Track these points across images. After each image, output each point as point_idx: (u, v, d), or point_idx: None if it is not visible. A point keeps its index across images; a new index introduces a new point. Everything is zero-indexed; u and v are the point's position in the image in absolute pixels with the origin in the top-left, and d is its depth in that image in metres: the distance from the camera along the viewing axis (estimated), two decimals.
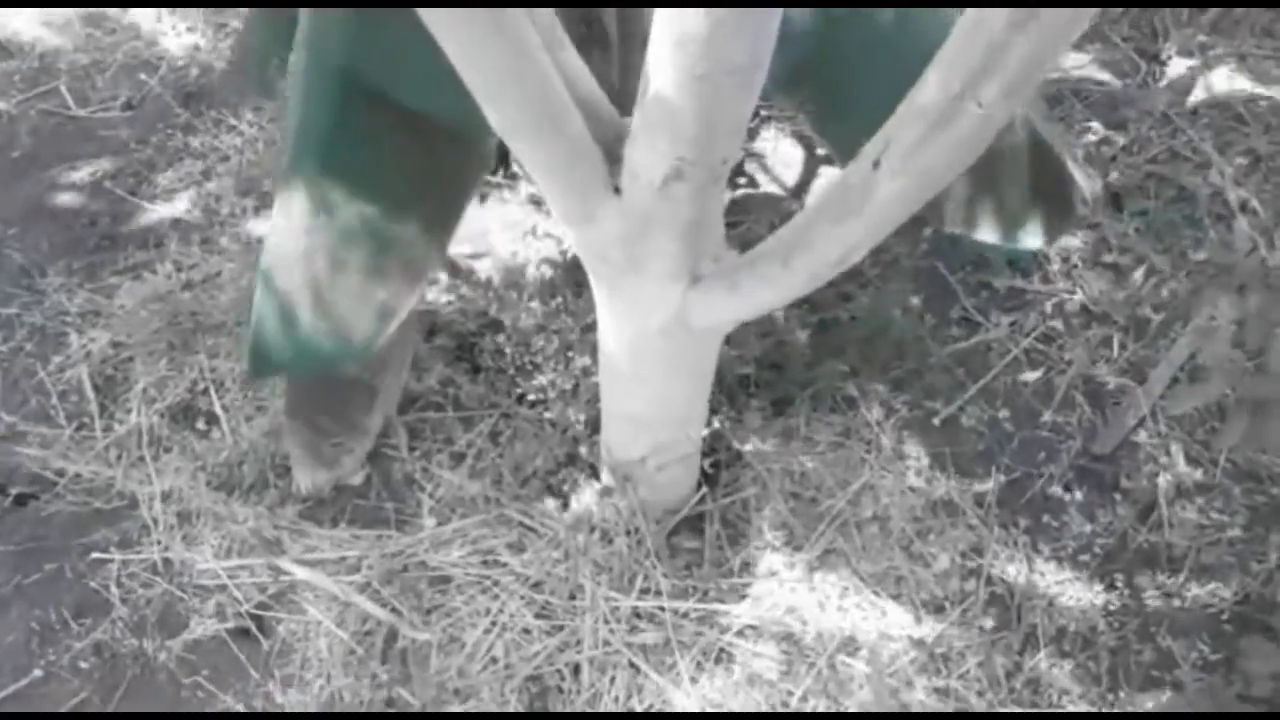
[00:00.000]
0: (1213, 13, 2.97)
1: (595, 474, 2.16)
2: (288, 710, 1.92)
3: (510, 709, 1.89)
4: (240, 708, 1.92)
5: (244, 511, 2.15)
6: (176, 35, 3.26)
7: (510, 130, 1.26)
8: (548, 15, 1.25)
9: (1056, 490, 2.22)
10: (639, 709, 1.89)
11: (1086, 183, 1.62)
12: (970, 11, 0.87)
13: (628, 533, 2.06)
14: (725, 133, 1.23)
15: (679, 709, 1.90)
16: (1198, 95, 2.82)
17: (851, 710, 1.89)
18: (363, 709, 1.91)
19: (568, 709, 1.90)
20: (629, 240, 1.37)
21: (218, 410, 2.31)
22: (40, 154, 2.89)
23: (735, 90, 1.15)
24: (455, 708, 1.90)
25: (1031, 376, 2.34)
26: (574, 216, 1.38)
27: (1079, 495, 2.22)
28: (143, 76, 3.11)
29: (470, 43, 1.13)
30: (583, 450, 2.18)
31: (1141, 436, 2.27)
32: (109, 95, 3.06)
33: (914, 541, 2.13)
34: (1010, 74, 0.84)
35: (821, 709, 1.89)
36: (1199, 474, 2.21)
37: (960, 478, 2.23)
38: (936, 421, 2.32)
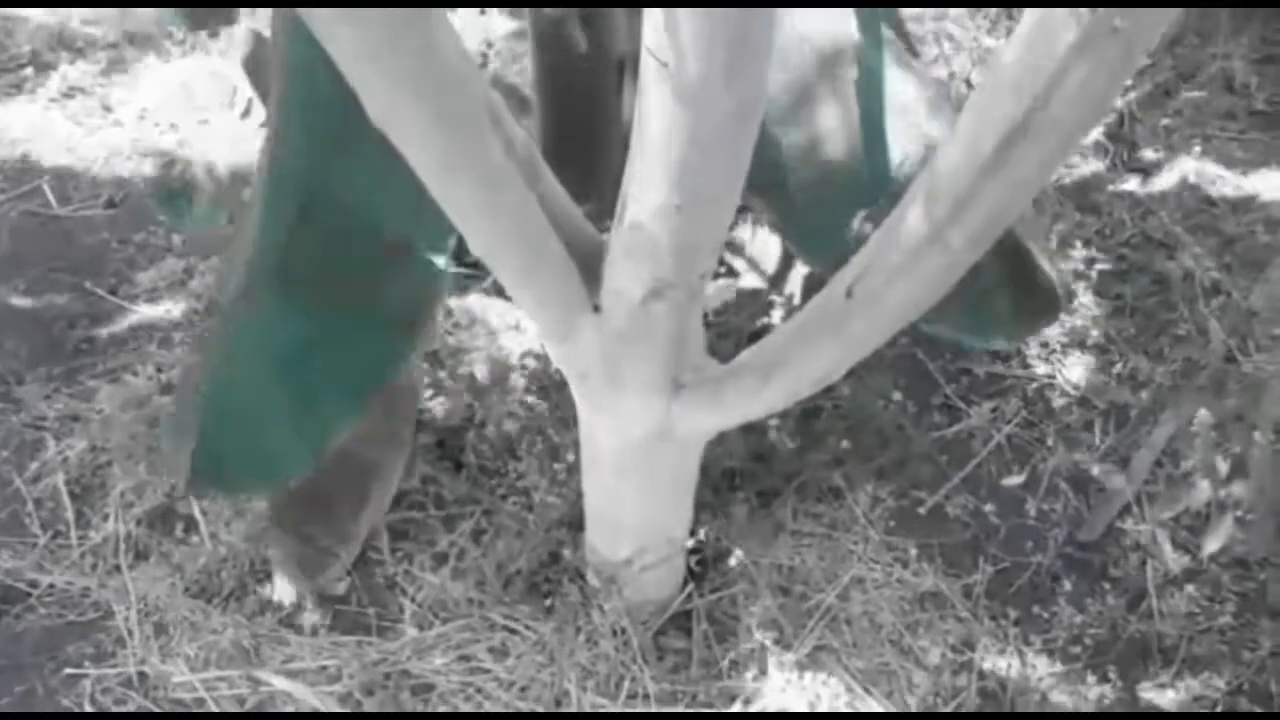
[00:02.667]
0: (1180, 98, 3.05)
1: (579, 574, 2.14)
2: None
3: None
4: None
5: (222, 620, 2.11)
6: (160, 132, 3.28)
7: (487, 253, 1.26)
8: (524, 139, 1.26)
9: (1045, 580, 2.20)
10: None
11: (1058, 279, 1.64)
12: (941, 155, 0.88)
13: (614, 634, 2.03)
14: (704, 253, 1.24)
15: None
16: (1167, 179, 2.88)
17: None
18: None
19: None
20: (609, 356, 1.37)
21: (196, 515, 2.27)
22: (21, 255, 2.88)
23: (713, 215, 1.16)
24: None
25: (1017, 480, 2.34)
26: (553, 334, 1.39)
27: (1068, 585, 2.20)
28: (125, 174, 3.12)
29: (441, 168, 1.13)
30: (566, 551, 2.15)
31: (1127, 523, 2.27)
32: (91, 194, 3.06)
33: (904, 636, 2.10)
34: (981, 218, 0.86)
35: None
36: (1187, 560, 2.20)
37: (948, 569, 2.22)
38: (922, 511, 2.31)
